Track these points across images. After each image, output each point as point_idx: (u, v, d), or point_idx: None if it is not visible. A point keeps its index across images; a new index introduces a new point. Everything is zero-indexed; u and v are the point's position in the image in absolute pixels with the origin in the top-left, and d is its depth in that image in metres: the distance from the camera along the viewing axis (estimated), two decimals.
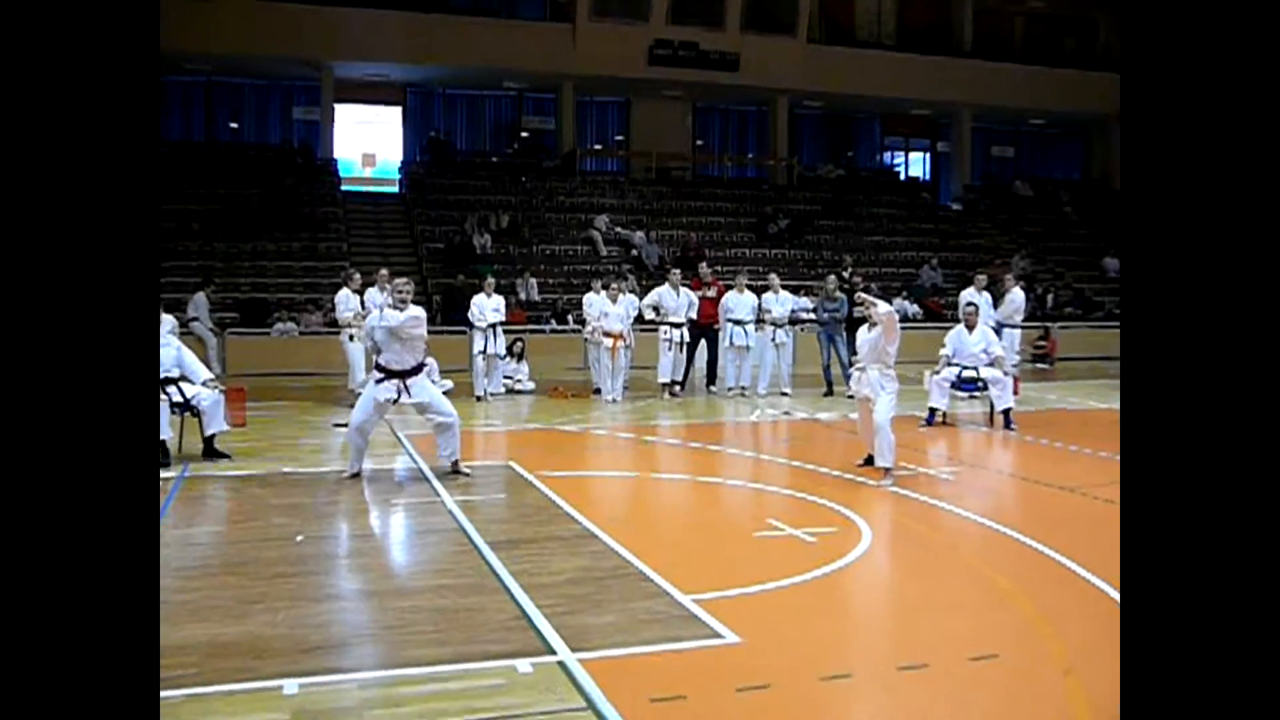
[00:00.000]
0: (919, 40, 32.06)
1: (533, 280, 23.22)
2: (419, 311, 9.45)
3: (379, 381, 9.32)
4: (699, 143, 33.15)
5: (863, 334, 9.91)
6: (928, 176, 36.16)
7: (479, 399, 15.28)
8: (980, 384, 12.89)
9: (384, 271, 15.46)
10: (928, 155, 36.57)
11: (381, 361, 9.34)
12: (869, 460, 9.73)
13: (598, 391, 15.90)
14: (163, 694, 4.46)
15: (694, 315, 15.90)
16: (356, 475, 9.47)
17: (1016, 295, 17.26)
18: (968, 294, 15.69)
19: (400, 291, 9.42)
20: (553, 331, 21.17)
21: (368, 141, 30.74)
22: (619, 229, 26.11)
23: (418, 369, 9.40)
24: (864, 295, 10.44)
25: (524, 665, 4.82)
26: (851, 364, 13.58)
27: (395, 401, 9.35)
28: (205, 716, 4.31)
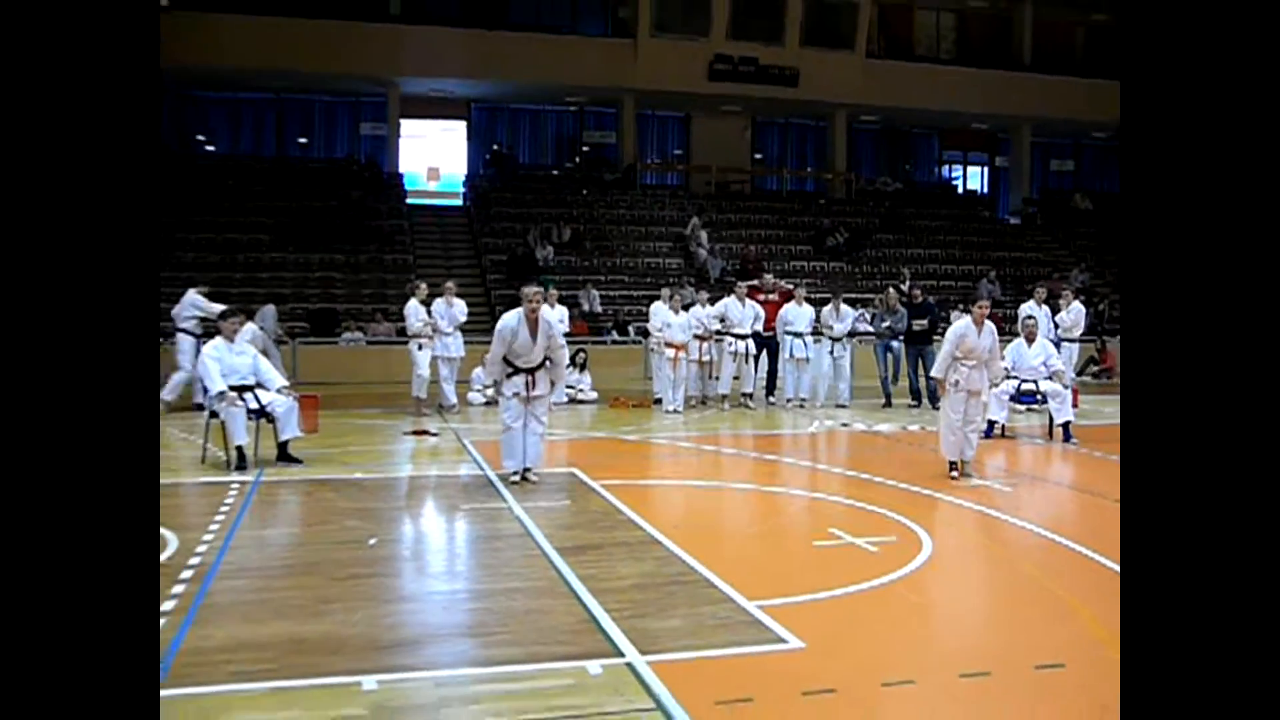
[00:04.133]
0: (978, 54, 31.89)
1: (595, 292, 23.36)
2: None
3: (510, 376, 9.40)
4: (758, 156, 33.18)
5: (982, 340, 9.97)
6: (986, 190, 35.91)
7: None
8: (1039, 397, 12.81)
9: (450, 284, 15.67)
10: (986, 169, 36.33)
11: (509, 356, 9.40)
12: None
13: (658, 401, 15.97)
14: (246, 686, 4.64)
15: (759, 327, 15.94)
16: (519, 473, 9.59)
17: (1076, 309, 17.12)
18: (1027, 307, 15.61)
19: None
20: (614, 342, 21.28)
21: (433, 156, 31.11)
22: (702, 239, 26.13)
23: (541, 365, 9.47)
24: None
25: (594, 666, 4.91)
26: (925, 375, 13.71)
27: (524, 397, 9.41)
28: (286, 709, 4.43)
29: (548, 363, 9.54)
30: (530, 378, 9.39)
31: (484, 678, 4.79)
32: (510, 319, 9.42)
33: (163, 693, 4.55)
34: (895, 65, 30.41)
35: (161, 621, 5.53)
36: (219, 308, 12.98)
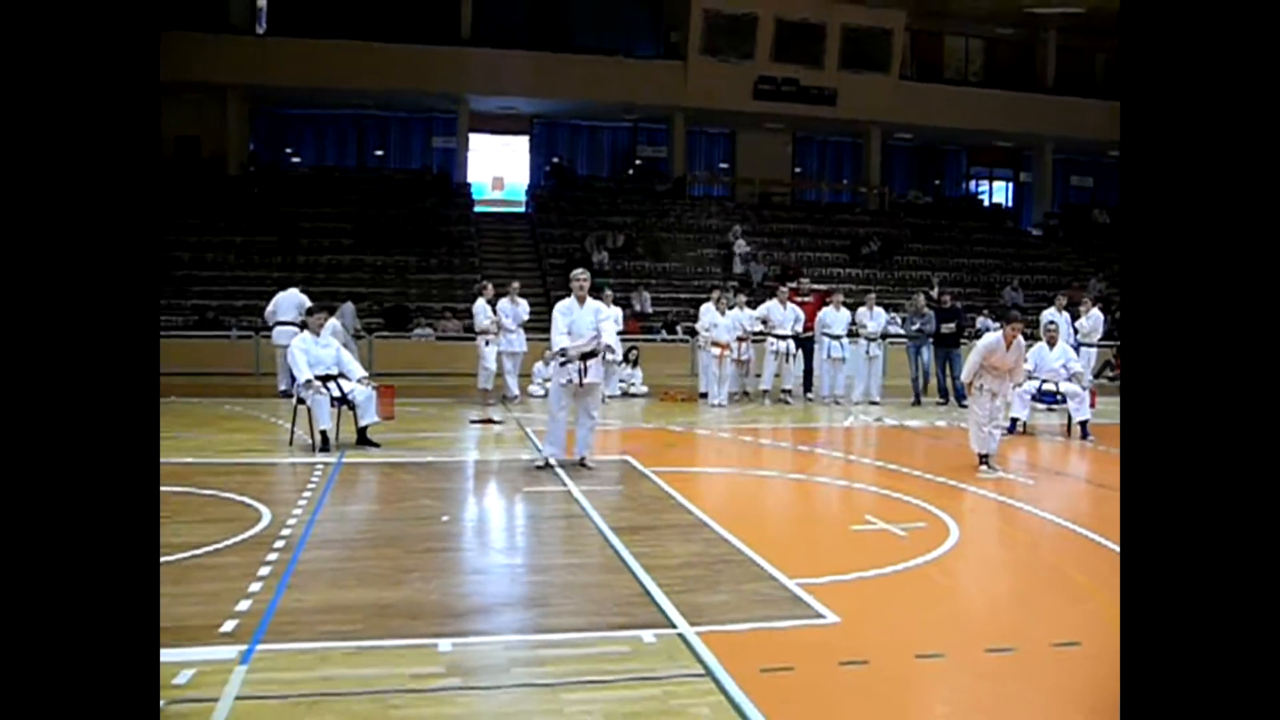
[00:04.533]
0: (1004, 77, 31.60)
1: (646, 294, 23.41)
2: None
3: (562, 364, 9.46)
4: (798, 170, 33.08)
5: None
6: (1010, 204, 35.56)
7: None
8: (1059, 397, 12.72)
9: (515, 284, 15.80)
10: (1010, 184, 35.99)
11: (564, 345, 9.46)
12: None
13: (704, 396, 16.00)
14: (336, 644, 4.75)
15: (799, 329, 15.95)
16: (565, 461, 9.65)
17: (1094, 315, 16.97)
18: (1049, 313, 15.50)
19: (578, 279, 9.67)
20: (664, 341, 21.32)
21: (498, 167, 31.25)
22: (744, 245, 26.09)
23: (592, 354, 9.52)
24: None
25: (648, 636, 4.97)
26: (952, 375, 13.71)
27: (576, 384, 9.45)
28: (372, 666, 4.53)
29: (599, 345, 9.57)
30: (583, 365, 9.46)
31: (547, 643, 4.87)
32: (564, 302, 9.69)
33: (263, 646, 4.71)
34: (926, 87, 30.20)
35: (258, 585, 5.67)
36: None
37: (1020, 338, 9.97)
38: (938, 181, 34.93)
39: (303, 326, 11.81)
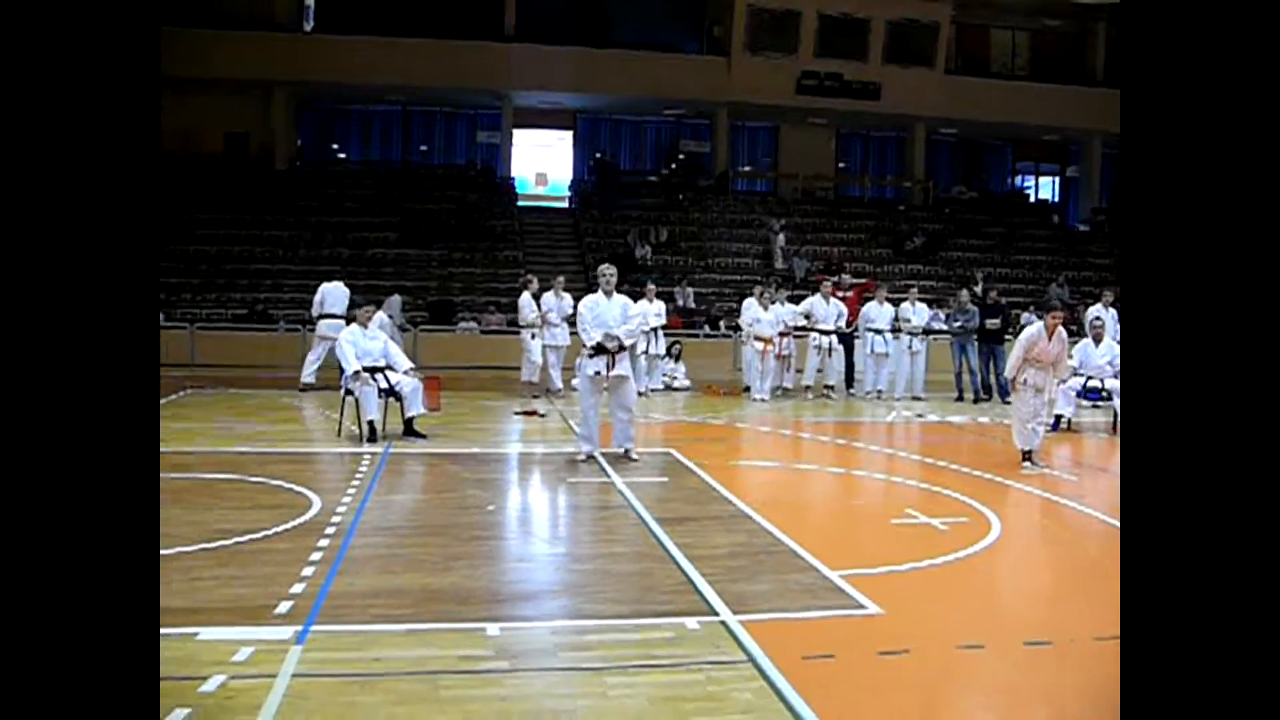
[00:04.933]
0: (1052, 70, 31.27)
1: (689, 289, 23.48)
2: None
3: (591, 357, 9.59)
4: (841, 165, 32.96)
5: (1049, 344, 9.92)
6: (1056, 199, 35.23)
7: (640, 394, 15.56)
8: (1105, 393, 12.65)
9: (560, 279, 15.92)
10: (1057, 179, 35.64)
11: (593, 330, 9.62)
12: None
13: (747, 390, 16.06)
14: (386, 626, 4.88)
15: (842, 324, 15.98)
16: (608, 453, 9.78)
17: None
18: (1095, 310, 15.38)
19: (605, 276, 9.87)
20: (706, 336, 21.39)
21: (541, 162, 31.43)
22: (783, 240, 26.09)
23: (622, 347, 9.64)
24: None
25: (691, 623, 5.06)
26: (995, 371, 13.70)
27: (604, 376, 9.57)
28: (422, 648, 4.66)
29: (625, 340, 9.70)
30: (611, 358, 9.56)
31: (593, 628, 4.98)
32: (590, 297, 9.94)
33: (317, 627, 4.85)
34: (972, 81, 29.97)
35: (310, 569, 5.82)
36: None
37: (1062, 329, 9.94)
38: (982, 176, 34.64)
39: (349, 320, 12.00)
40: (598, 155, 30.72)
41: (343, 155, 30.62)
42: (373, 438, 10.37)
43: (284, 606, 5.17)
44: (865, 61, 28.56)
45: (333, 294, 15.61)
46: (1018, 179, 35.58)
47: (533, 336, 15.25)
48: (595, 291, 9.93)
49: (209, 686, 4.15)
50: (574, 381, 15.93)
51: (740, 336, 16.85)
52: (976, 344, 16.04)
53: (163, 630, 4.75)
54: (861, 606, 5.42)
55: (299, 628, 4.84)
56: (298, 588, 5.48)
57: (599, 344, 9.50)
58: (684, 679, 4.36)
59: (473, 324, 21.25)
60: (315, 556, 6.10)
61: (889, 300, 16.29)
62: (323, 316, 15.51)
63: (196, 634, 4.75)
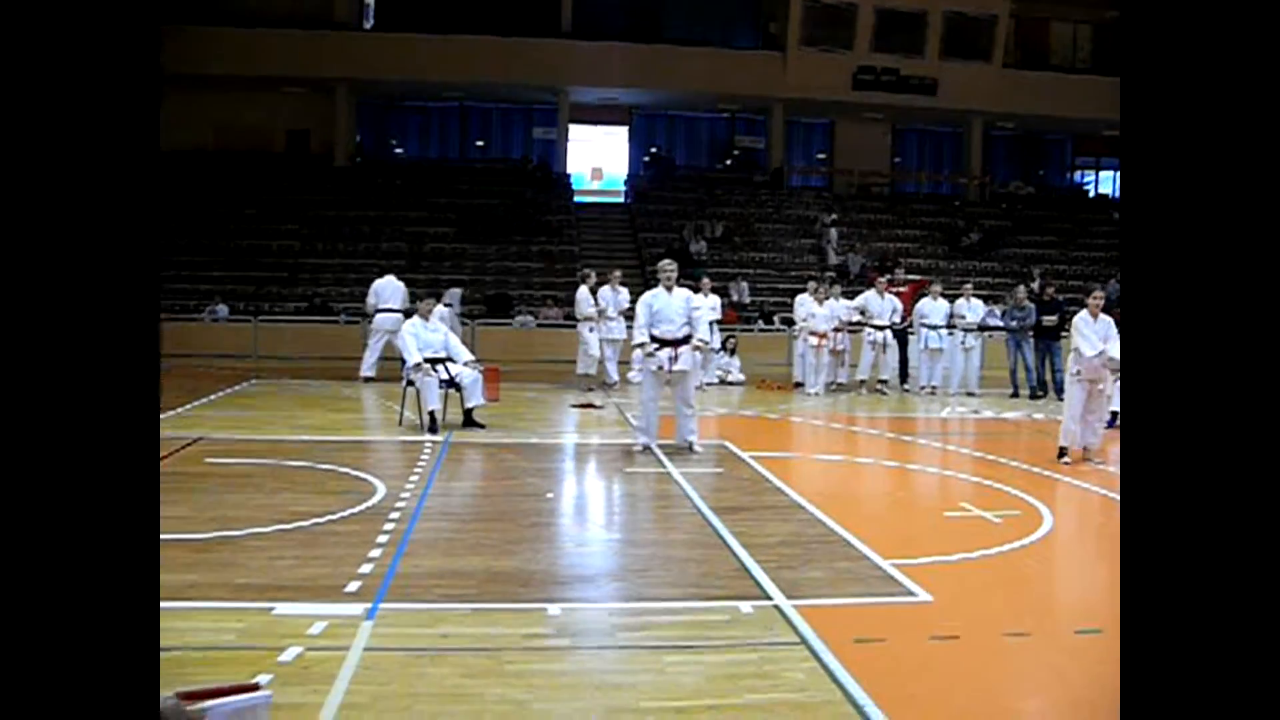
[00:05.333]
0: (1114, 63, 30.89)
1: (744, 284, 23.58)
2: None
3: (651, 354, 9.73)
4: (897, 160, 32.85)
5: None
6: (1117, 194, 34.80)
7: (696, 389, 15.69)
8: None
9: (617, 273, 16.12)
10: (1118, 174, 35.22)
11: (656, 332, 9.76)
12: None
13: (799, 385, 16.15)
14: (452, 605, 5.08)
15: (897, 319, 16.03)
16: (665, 445, 9.90)
17: None
18: None
19: (665, 272, 9.95)
20: (760, 330, 21.48)
21: (597, 157, 31.67)
22: (834, 234, 26.10)
23: (686, 339, 9.78)
24: None
25: (745, 607, 5.21)
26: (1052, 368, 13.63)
27: (666, 370, 9.70)
28: (487, 626, 4.86)
29: (689, 334, 9.80)
30: (674, 351, 9.69)
31: (650, 610, 5.14)
32: (651, 292, 10.03)
33: (386, 605, 5.07)
34: (1031, 75, 29.66)
35: (377, 551, 6.05)
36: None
37: (1106, 315, 9.87)
38: (1041, 171, 34.34)
39: (406, 313, 12.26)
40: (653, 150, 30.88)
41: (400, 151, 31.04)
42: (434, 427, 10.61)
43: (354, 585, 5.39)
44: (922, 56, 28.44)
45: (387, 288, 15.93)
46: (1077, 174, 35.20)
47: (590, 330, 15.46)
48: (655, 286, 10.05)
49: (286, 657, 4.37)
50: (630, 375, 16.24)
51: (793, 331, 16.92)
52: (1033, 341, 15.99)
53: (241, 604, 5.04)
54: (912, 594, 5.54)
55: (369, 605, 5.06)
56: (366, 568, 5.70)
57: (656, 337, 9.64)
58: (739, 658, 4.51)
59: (529, 318, 21.51)
60: (382, 539, 6.33)
61: (944, 296, 16.30)
62: (379, 311, 15.84)
63: (272, 608, 4.99)
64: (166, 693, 2.54)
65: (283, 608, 5.01)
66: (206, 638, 4.62)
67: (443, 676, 4.23)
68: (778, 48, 28.36)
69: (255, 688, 2.79)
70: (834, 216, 26.95)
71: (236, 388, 14.44)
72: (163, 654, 4.23)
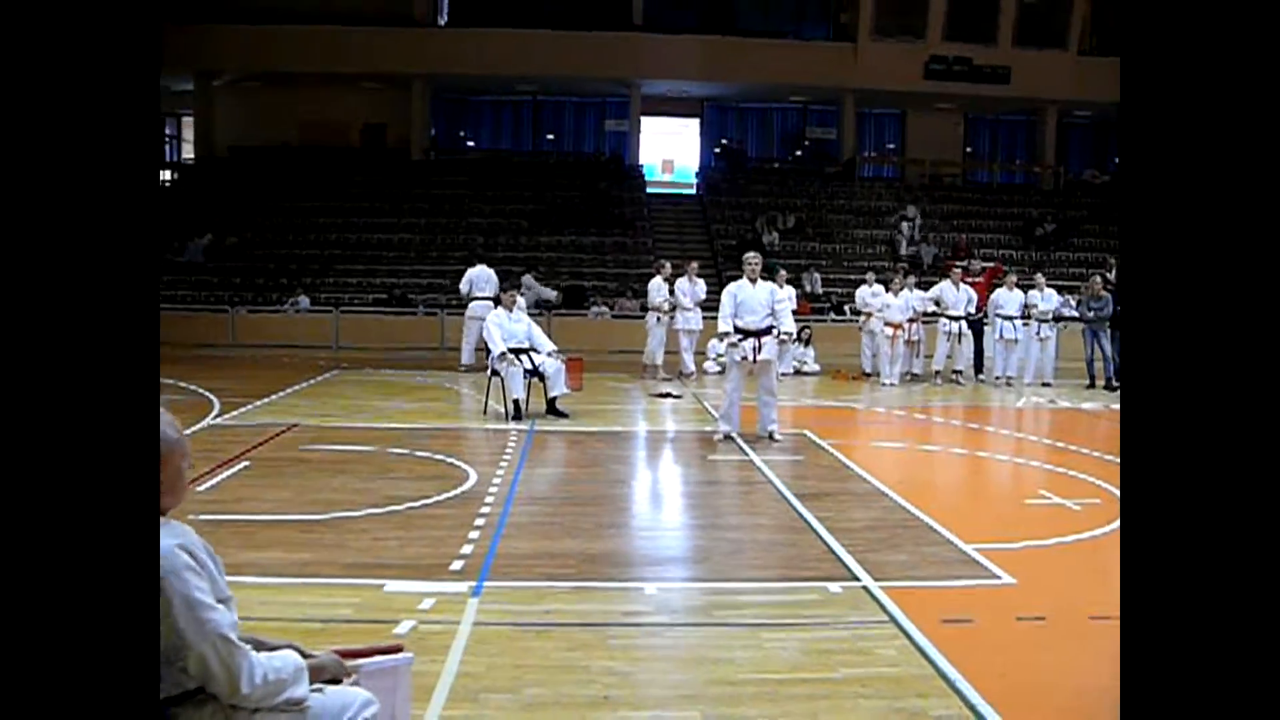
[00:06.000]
0: None
1: (817, 275, 23.61)
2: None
3: (735, 344, 9.91)
4: (969, 150, 32.56)
5: None
6: None
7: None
8: None
9: (694, 264, 16.28)
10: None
11: (739, 323, 9.94)
12: None
13: (867, 375, 16.22)
14: (553, 584, 5.31)
15: (971, 310, 16.02)
16: (745, 434, 10.03)
17: None
18: None
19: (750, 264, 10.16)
20: (833, 321, 21.51)
21: (668, 149, 31.82)
22: (903, 229, 26.02)
23: (768, 330, 9.94)
24: None
25: (834, 587, 5.38)
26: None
27: (750, 360, 9.85)
28: (588, 603, 5.09)
29: (772, 325, 9.94)
30: (757, 342, 9.85)
31: (743, 590, 5.34)
32: (735, 283, 10.20)
33: (489, 583, 5.32)
34: (1108, 62, 29.10)
35: (475, 533, 6.30)
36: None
37: None
38: (1117, 160, 33.83)
39: (497, 302, 12.56)
40: (725, 142, 30.96)
41: (472, 144, 31.46)
42: (518, 416, 10.87)
43: (457, 565, 5.65)
44: (995, 45, 28.13)
45: (480, 277, 16.30)
46: None
47: (657, 320, 15.65)
48: (739, 279, 10.20)
49: (401, 629, 4.63)
50: (706, 365, 16.43)
51: (863, 320, 16.93)
52: (1109, 331, 15.88)
53: (353, 580, 5.31)
54: (996, 577, 5.66)
55: (473, 583, 5.31)
56: (467, 549, 5.96)
57: (740, 327, 9.81)
58: (832, 635, 4.69)
59: (604, 309, 21.75)
60: (479, 522, 6.58)
61: (1019, 286, 16.24)
62: (473, 299, 16.23)
63: (383, 585, 5.26)
64: (320, 650, 2.77)
65: (392, 585, 5.27)
66: (324, 610, 4.90)
67: (550, 649, 4.46)
68: (849, 38, 28.25)
69: (399, 649, 3.02)
70: (915, 210, 26.77)
71: (322, 377, 14.86)
72: (285, 624, 4.53)
